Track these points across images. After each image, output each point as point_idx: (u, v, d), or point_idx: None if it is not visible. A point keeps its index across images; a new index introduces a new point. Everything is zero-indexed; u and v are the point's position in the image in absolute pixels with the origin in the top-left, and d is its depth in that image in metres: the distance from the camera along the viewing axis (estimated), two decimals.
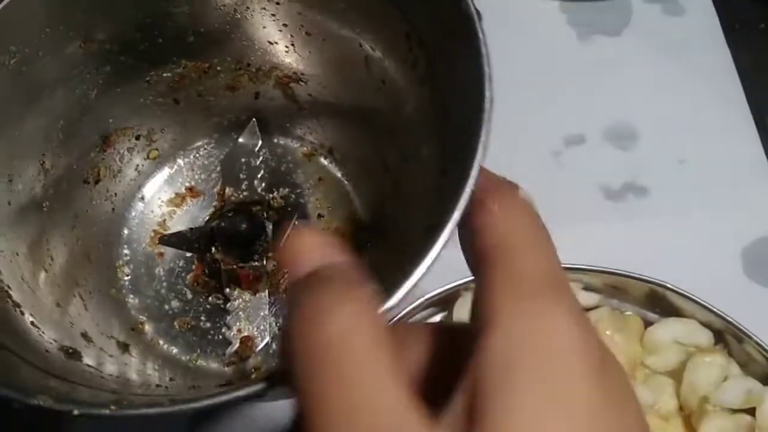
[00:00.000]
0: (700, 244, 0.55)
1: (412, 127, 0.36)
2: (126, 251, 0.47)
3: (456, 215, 0.25)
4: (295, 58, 0.43)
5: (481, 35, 0.27)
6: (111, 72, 0.41)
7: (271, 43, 0.42)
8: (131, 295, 0.46)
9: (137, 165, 0.47)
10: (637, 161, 0.59)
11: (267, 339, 0.44)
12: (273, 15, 0.41)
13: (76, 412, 0.23)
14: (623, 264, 0.49)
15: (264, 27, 0.41)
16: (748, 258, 0.55)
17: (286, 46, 0.42)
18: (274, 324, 0.45)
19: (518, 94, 0.61)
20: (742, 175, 0.58)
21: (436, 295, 0.49)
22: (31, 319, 0.34)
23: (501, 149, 0.56)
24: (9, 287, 0.34)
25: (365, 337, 0.20)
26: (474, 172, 0.26)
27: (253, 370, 0.44)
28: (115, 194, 0.46)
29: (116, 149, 0.45)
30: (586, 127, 0.60)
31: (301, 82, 0.44)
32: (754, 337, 0.46)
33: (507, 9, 0.65)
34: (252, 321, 0.45)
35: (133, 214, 0.47)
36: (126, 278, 0.46)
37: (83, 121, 0.42)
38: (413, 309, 0.48)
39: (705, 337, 0.48)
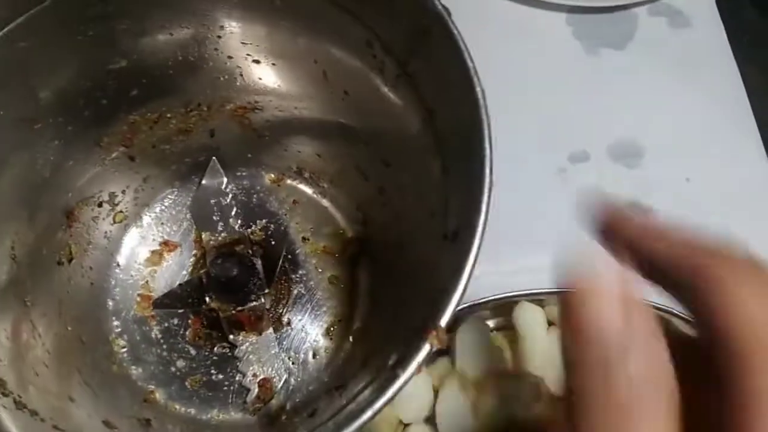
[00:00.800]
0: None
1: (389, 132, 0.35)
2: (116, 323, 0.45)
3: (482, 218, 0.24)
4: (246, 88, 0.41)
5: (455, 30, 0.27)
6: (61, 145, 0.39)
7: (219, 78, 0.41)
8: (133, 366, 0.44)
9: (106, 232, 0.45)
10: (643, 179, 0.57)
11: (285, 376, 0.43)
12: (215, 50, 0.39)
13: None
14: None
15: (210, 64, 0.40)
16: None
17: (235, 78, 0.41)
18: (287, 359, 0.44)
19: (524, 108, 0.60)
20: (749, 194, 0.57)
21: None
22: (52, 423, 0.32)
23: (505, 165, 0.56)
24: (20, 396, 0.32)
25: None
26: (487, 168, 0.25)
27: (280, 411, 0.42)
28: (91, 267, 0.44)
29: (81, 222, 0.43)
30: (591, 143, 0.59)
31: (256, 110, 0.43)
32: None
33: (513, 22, 0.64)
34: (265, 362, 0.44)
35: (113, 283, 0.45)
36: (123, 350, 0.44)
37: (42, 202, 0.39)
38: None
39: None
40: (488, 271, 0.53)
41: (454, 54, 0.26)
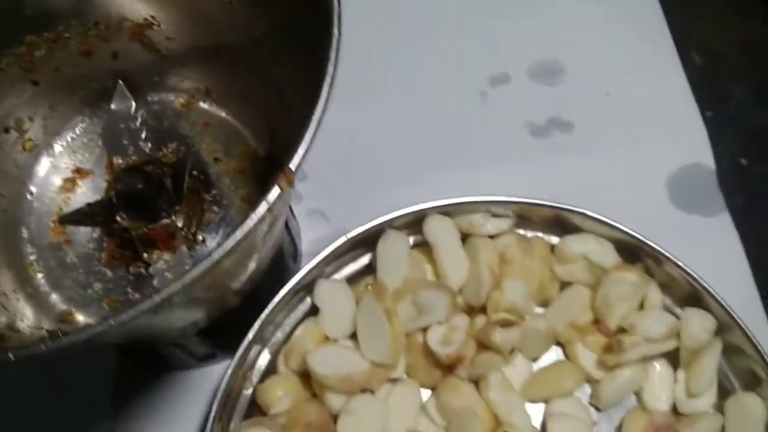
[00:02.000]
0: (626, 176, 0.56)
1: (274, 25, 0.36)
2: (31, 250, 0.45)
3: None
4: (139, 1, 0.42)
5: None
6: None
7: None
8: (52, 293, 0.44)
9: (15, 160, 0.45)
10: (563, 97, 0.59)
11: None
12: None
13: (11, 356, 0.22)
14: (548, 197, 0.50)
15: None
16: (673, 187, 0.56)
17: None
18: None
19: (443, 35, 0.61)
20: (667, 107, 0.58)
21: (358, 234, 0.49)
22: None
23: (429, 91, 0.58)
24: None
25: None
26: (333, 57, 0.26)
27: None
28: (2, 195, 0.44)
29: None
30: (511, 65, 0.60)
31: (154, 27, 0.43)
32: (672, 258, 0.48)
33: None
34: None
35: (26, 211, 0.46)
36: (40, 275, 0.45)
37: None
38: (336, 248, 0.49)
39: (612, 258, 0.49)
40: (411, 194, 0.55)
41: None
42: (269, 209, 0.27)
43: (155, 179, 0.44)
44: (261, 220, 0.27)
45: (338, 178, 0.57)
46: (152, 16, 0.43)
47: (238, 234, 0.26)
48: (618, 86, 0.59)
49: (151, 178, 0.44)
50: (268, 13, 0.37)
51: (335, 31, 0.29)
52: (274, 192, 0.27)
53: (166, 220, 0.44)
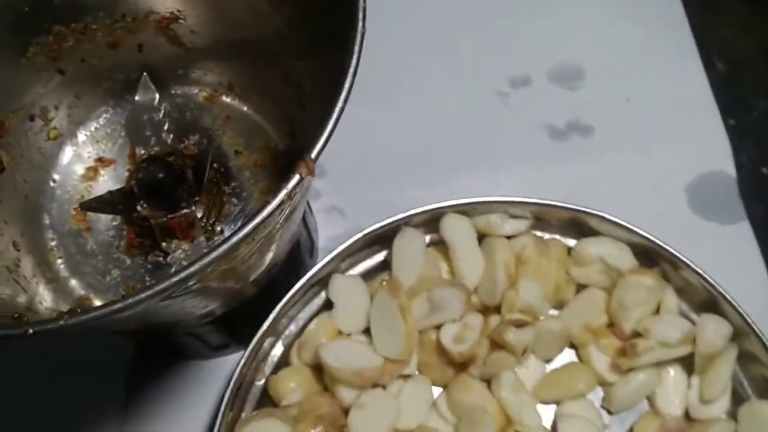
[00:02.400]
0: (645, 181, 0.56)
1: (298, 22, 0.36)
2: (51, 236, 0.46)
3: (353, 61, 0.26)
4: None
5: None
6: None
7: None
8: (71, 278, 0.45)
9: (40, 148, 0.46)
10: (583, 101, 0.59)
11: None
12: None
13: (30, 331, 0.23)
14: (566, 201, 0.50)
15: None
16: (692, 193, 0.56)
17: None
18: None
19: (465, 35, 0.61)
20: (688, 112, 0.58)
21: (374, 231, 0.49)
22: None
23: (449, 91, 0.58)
24: None
25: None
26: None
27: None
28: (25, 181, 0.45)
29: (13, 135, 0.44)
30: (532, 67, 0.60)
31: (180, 20, 0.44)
32: (690, 263, 0.48)
33: None
34: None
35: (48, 197, 0.46)
36: (59, 261, 0.45)
37: None
38: (352, 244, 0.49)
39: (628, 261, 0.49)
40: (428, 193, 0.55)
41: None
42: (288, 195, 0.27)
43: (176, 170, 0.45)
44: (280, 205, 0.27)
45: (357, 176, 0.58)
46: (178, 10, 0.43)
47: (258, 219, 0.27)
48: (639, 91, 0.58)
49: (173, 168, 0.44)
50: (293, 7, 0.38)
51: (360, 24, 0.29)
52: (294, 179, 0.27)
53: (185, 210, 0.44)
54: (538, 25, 0.61)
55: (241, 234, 0.27)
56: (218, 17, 0.43)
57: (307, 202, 0.54)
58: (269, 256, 0.39)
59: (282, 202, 0.27)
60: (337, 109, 0.28)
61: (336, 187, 0.57)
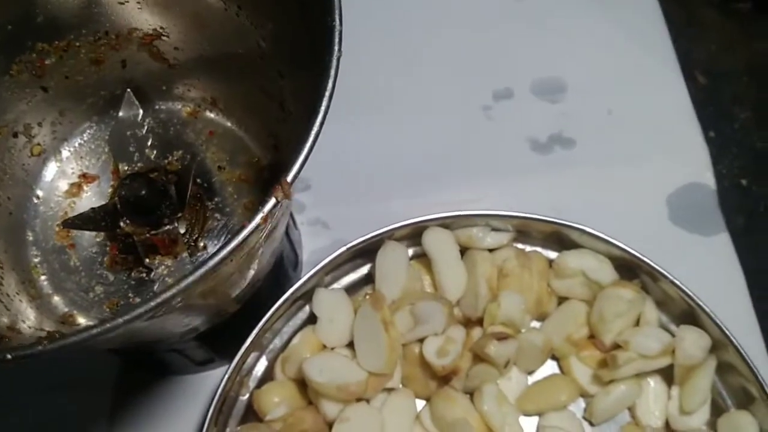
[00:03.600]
0: (626, 193, 0.56)
1: (279, 39, 0.37)
2: (35, 252, 0.46)
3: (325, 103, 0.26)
4: (149, 13, 0.43)
5: None
6: None
7: (121, 3, 0.42)
8: (54, 295, 0.45)
9: (23, 164, 0.46)
10: (565, 113, 0.59)
11: None
12: None
13: (9, 356, 0.23)
14: (548, 213, 0.50)
15: None
16: (673, 205, 0.56)
17: (137, 3, 0.42)
18: None
19: (448, 48, 0.62)
20: (669, 125, 0.59)
21: (357, 245, 0.50)
22: None
23: (433, 104, 0.58)
24: None
25: None
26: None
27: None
28: (8, 198, 0.45)
29: None
30: (514, 80, 0.61)
31: (163, 37, 0.44)
32: (668, 276, 0.48)
33: None
34: None
35: (32, 214, 0.46)
36: (43, 278, 0.45)
37: None
38: (336, 258, 0.49)
39: (609, 274, 0.50)
40: (412, 206, 0.55)
41: None
42: (264, 218, 0.27)
43: (159, 186, 0.45)
44: (256, 229, 0.27)
45: (341, 189, 0.58)
46: (161, 27, 0.44)
47: (234, 244, 0.27)
48: (621, 104, 0.59)
49: (155, 184, 0.44)
50: (273, 27, 0.38)
51: (336, 48, 0.30)
52: (270, 203, 0.28)
53: (168, 227, 0.44)
54: (520, 39, 0.62)
55: (216, 258, 0.27)
56: (201, 34, 0.44)
57: (291, 216, 0.55)
58: (251, 273, 0.39)
59: (258, 225, 0.27)
60: (312, 133, 0.28)
61: (320, 200, 0.58)
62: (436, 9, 0.63)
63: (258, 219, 0.27)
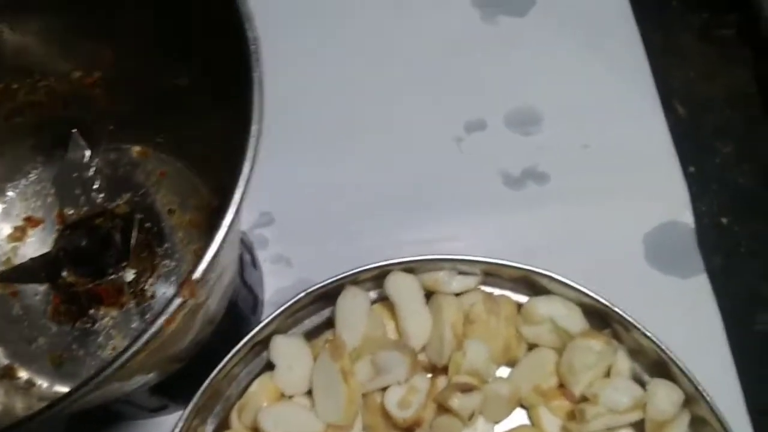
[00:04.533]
0: (601, 231, 0.54)
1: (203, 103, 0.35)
2: None
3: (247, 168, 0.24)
4: (84, 57, 0.41)
5: None
6: None
7: (55, 48, 0.40)
8: None
9: None
10: (539, 147, 0.57)
11: None
12: None
13: None
14: (520, 252, 0.48)
15: None
16: (649, 244, 0.54)
17: (71, 47, 0.40)
18: None
19: (420, 79, 0.59)
20: (647, 160, 0.56)
21: (318, 289, 0.47)
22: None
23: (404, 136, 0.56)
24: None
25: None
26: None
27: None
28: None
29: None
30: (488, 112, 0.58)
31: (102, 79, 0.42)
32: (639, 327, 0.46)
33: None
34: (126, 335, 0.43)
35: None
36: None
37: None
38: (295, 303, 0.47)
39: (578, 323, 0.47)
40: (380, 243, 0.53)
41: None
42: (168, 321, 0.25)
43: (103, 234, 0.43)
44: (159, 332, 0.25)
45: (306, 224, 0.56)
46: (99, 70, 0.41)
47: (129, 351, 0.25)
48: (597, 138, 0.57)
49: (99, 232, 0.42)
50: (197, 67, 0.36)
51: (255, 99, 0.27)
52: (176, 303, 0.25)
53: (113, 276, 0.43)
54: (495, 69, 0.59)
55: (117, 363, 0.25)
56: (136, 75, 0.41)
57: (252, 255, 0.53)
58: (189, 336, 0.37)
59: (160, 329, 0.25)
60: (229, 215, 0.26)
61: (284, 235, 0.55)
62: (406, 36, 0.61)
63: (160, 322, 0.25)
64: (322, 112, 0.58)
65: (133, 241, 0.42)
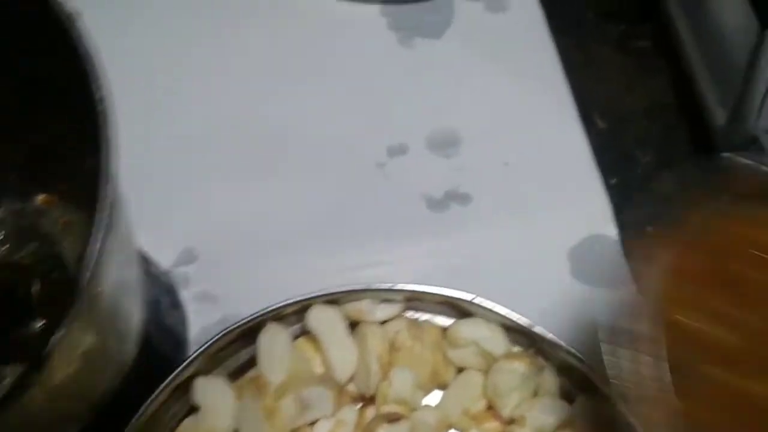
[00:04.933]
0: (526, 249, 0.53)
1: None
2: None
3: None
4: None
5: (80, 34, 0.25)
6: None
7: None
8: None
9: None
10: (460, 168, 0.56)
11: None
12: None
13: None
14: (446, 274, 0.49)
15: None
16: (574, 258, 0.54)
17: None
18: None
19: (341, 105, 0.59)
20: (568, 175, 0.56)
21: (237, 327, 0.47)
22: None
23: (326, 163, 0.55)
24: None
25: None
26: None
27: None
28: None
29: None
30: (409, 136, 0.58)
31: None
32: (560, 344, 0.46)
33: (323, 14, 0.62)
34: None
35: None
36: None
37: None
38: (216, 342, 0.46)
39: (501, 345, 0.47)
40: (305, 272, 0.53)
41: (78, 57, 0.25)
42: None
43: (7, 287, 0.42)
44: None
45: (230, 258, 0.55)
46: None
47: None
48: (517, 154, 0.57)
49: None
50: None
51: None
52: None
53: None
54: (414, 92, 0.59)
55: None
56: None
57: (172, 295, 0.52)
58: (99, 378, 0.36)
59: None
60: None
61: (207, 272, 0.54)
62: (324, 62, 0.60)
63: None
64: (241, 141, 0.57)
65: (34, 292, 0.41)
